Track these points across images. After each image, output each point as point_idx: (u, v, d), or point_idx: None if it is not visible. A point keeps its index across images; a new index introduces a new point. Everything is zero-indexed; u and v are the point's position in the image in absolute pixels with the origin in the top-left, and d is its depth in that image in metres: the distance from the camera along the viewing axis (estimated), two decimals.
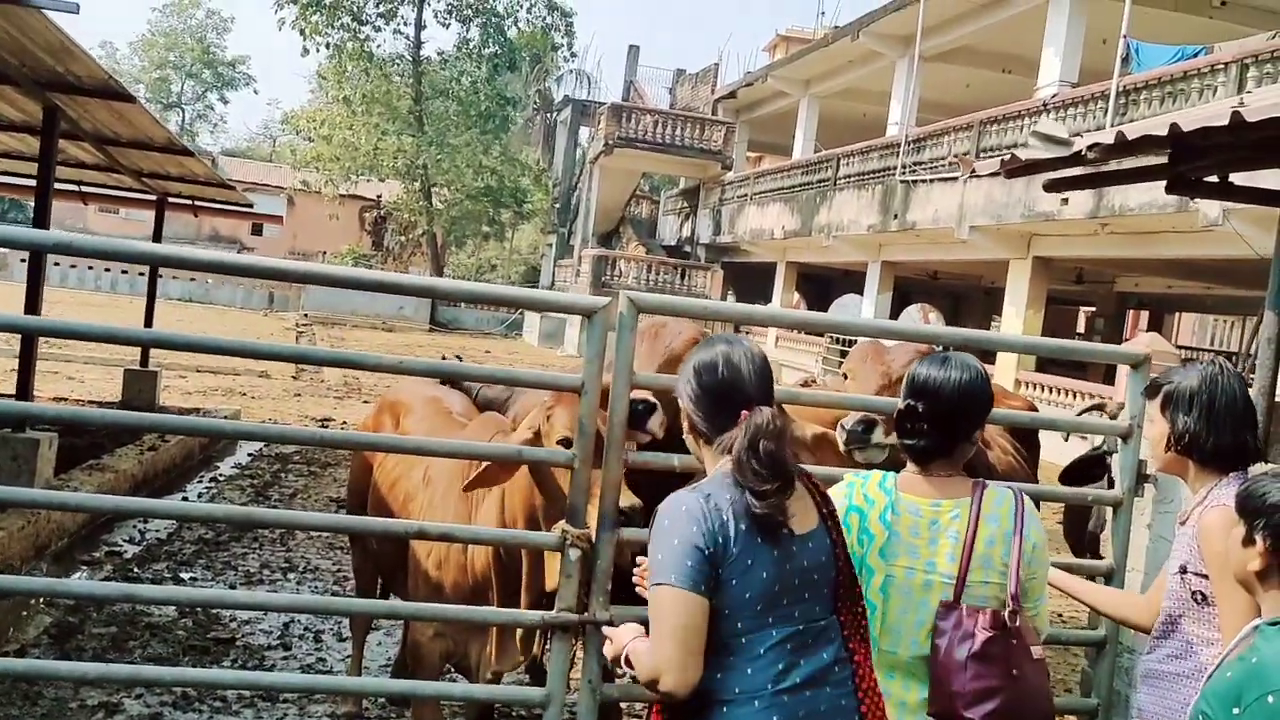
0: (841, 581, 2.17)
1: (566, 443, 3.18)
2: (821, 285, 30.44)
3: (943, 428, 2.45)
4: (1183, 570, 2.59)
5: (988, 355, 15.30)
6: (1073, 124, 14.44)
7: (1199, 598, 2.51)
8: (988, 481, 2.56)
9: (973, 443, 2.53)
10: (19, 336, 9.00)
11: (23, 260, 32.33)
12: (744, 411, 2.15)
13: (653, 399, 3.27)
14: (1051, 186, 4.79)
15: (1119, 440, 3.48)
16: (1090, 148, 3.83)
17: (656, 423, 3.27)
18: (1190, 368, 2.70)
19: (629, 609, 3.27)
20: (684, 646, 2.01)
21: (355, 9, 31.36)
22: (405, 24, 32.50)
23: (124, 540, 7.60)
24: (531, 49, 34.85)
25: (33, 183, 11.81)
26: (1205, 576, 2.50)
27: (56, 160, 8.03)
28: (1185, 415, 2.60)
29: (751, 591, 2.05)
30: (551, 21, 33.70)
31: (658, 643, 2.04)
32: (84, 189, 12.68)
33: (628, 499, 3.14)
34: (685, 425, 2.28)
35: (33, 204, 8.31)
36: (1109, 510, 3.48)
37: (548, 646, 3.29)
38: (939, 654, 2.35)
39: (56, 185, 8.23)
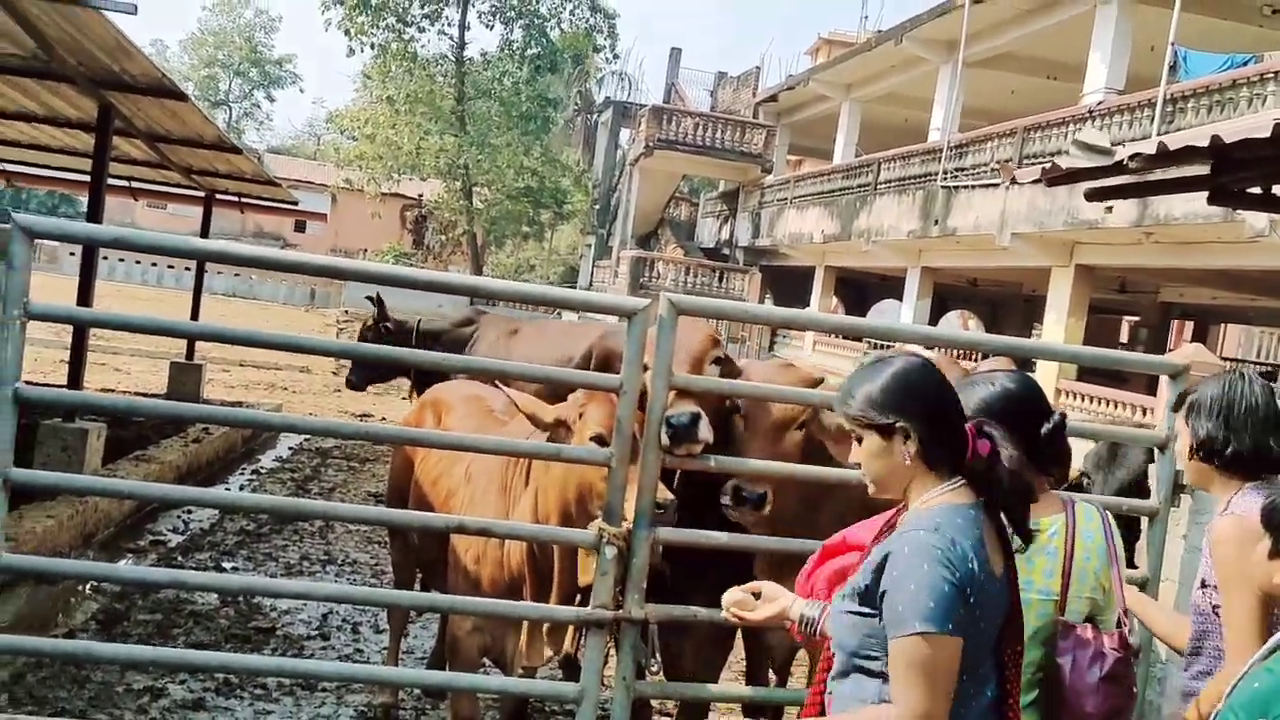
0: (1013, 616, 2.10)
1: (599, 440, 3.23)
2: (860, 290, 30.31)
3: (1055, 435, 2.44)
4: (1203, 585, 2.59)
5: (1027, 364, 15.19)
6: (1118, 132, 14.30)
7: (1219, 611, 2.51)
8: (1074, 497, 2.58)
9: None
10: (70, 328, 9.21)
11: (72, 253, 32.92)
12: (970, 429, 2.08)
13: (697, 408, 3.27)
14: (1093, 195, 4.77)
15: (1156, 450, 3.48)
16: (1131, 157, 3.82)
17: (705, 429, 3.29)
18: (1214, 377, 2.71)
19: (662, 606, 3.33)
20: (945, 696, 1.93)
21: (400, 10, 31.59)
22: (449, 25, 32.70)
23: (168, 530, 7.76)
24: (574, 50, 34.92)
25: (86, 178, 12.10)
26: None
27: (110, 157, 8.21)
28: (1204, 422, 2.61)
29: (981, 633, 1.99)
30: (594, 23, 33.75)
31: (918, 693, 1.91)
32: (135, 185, 12.93)
33: (662, 493, 3.19)
34: (906, 450, 2.06)
35: (84, 198, 8.50)
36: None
37: (582, 643, 3.34)
38: (1065, 675, 2.32)
39: (109, 181, 8.41)
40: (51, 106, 8.80)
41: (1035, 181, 4.90)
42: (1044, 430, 2.38)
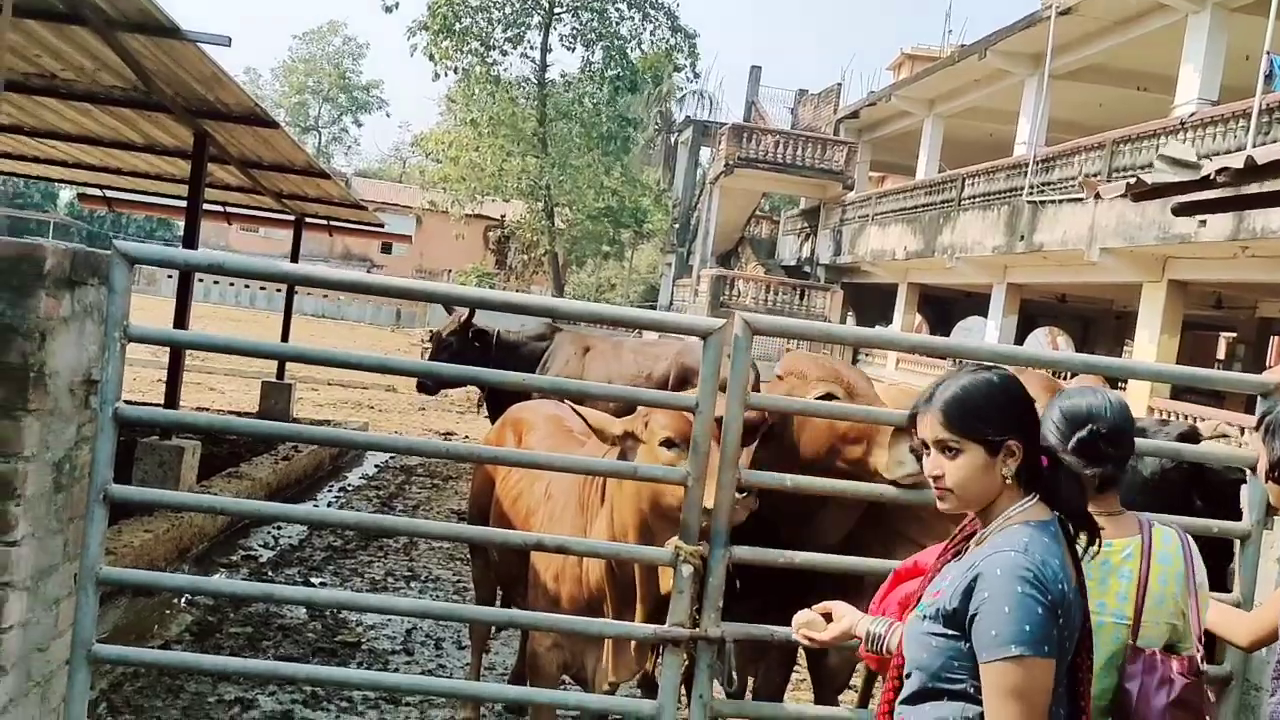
0: (1084, 627, 2.08)
1: (669, 443, 3.25)
2: (943, 307, 29.89)
3: (1117, 451, 2.43)
4: None
5: (1115, 382, 14.82)
6: (1212, 144, 13.91)
7: None
8: (1153, 518, 2.54)
9: (1126, 473, 2.53)
10: (168, 349, 9.54)
11: (170, 276, 34.05)
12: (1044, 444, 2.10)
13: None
14: (1181, 210, 4.66)
15: (1248, 471, 3.38)
16: (1219, 172, 3.73)
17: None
18: None
19: (739, 625, 3.33)
20: (1041, 718, 1.92)
21: (484, 35, 32.18)
22: (531, 48, 33.22)
23: (258, 545, 7.97)
24: (654, 71, 35.15)
25: (182, 203, 12.53)
26: None
27: (205, 182, 8.51)
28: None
29: (1065, 652, 1.99)
30: (674, 43, 33.97)
31: (1014, 718, 1.90)
32: (228, 209, 13.34)
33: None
34: (1008, 466, 2.05)
35: (180, 222, 8.82)
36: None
37: (659, 660, 3.36)
38: (1132, 700, 2.30)
39: (204, 206, 8.71)
40: (150, 135, 9.14)
41: (1120, 196, 4.81)
42: (1078, 436, 2.38)
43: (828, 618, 2.49)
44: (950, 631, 2.00)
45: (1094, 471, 2.39)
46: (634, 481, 3.32)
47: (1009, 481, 2.04)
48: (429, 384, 8.55)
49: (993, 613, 1.91)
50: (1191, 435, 3.76)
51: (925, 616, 2.06)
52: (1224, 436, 3.80)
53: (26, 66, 6.96)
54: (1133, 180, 4.24)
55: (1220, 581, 3.30)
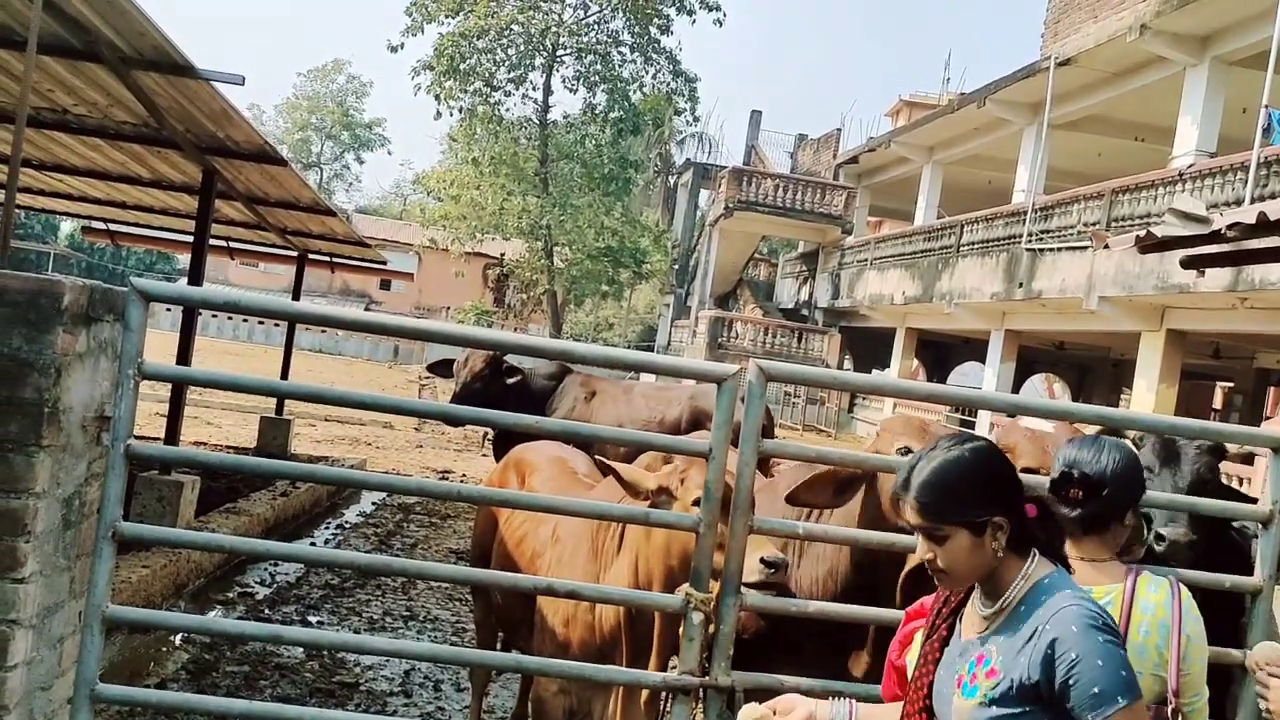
0: None
1: (699, 502, 3.25)
2: (941, 352, 29.96)
3: (1095, 496, 2.44)
4: None
5: (1118, 433, 14.82)
6: (1210, 195, 14.03)
7: None
8: (1143, 567, 2.53)
9: (1125, 525, 2.52)
10: (168, 384, 9.53)
11: (169, 310, 34.05)
12: (1030, 506, 2.10)
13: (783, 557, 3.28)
14: (1189, 263, 4.69)
15: (1259, 526, 3.38)
16: (1230, 226, 3.77)
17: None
18: None
19: (749, 674, 3.30)
20: None
21: (487, 75, 32.46)
22: (534, 89, 33.50)
23: (255, 582, 7.91)
24: (655, 113, 35.45)
25: (185, 237, 12.57)
26: None
27: (212, 218, 8.54)
28: None
29: None
30: (675, 87, 34.27)
31: None
32: (232, 244, 13.37)
33: (771, 551, 3.17)
34: (998, 541, 2.03)
35: (181, 256, 8.84)
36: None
37: (668, 709, 3.33)
38: None
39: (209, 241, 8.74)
40: (158, 170, 9.19)
41: (1129, 249, 4.84)
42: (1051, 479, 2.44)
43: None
44: (1026, 707, 1.96)
45: (1072, 513, 2.43)
46: (664, 533, 3.30)
47: (1001, 554, 2.02)
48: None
49: (1088, 670, 1.88)
50: (1219, 449, 3.76)
51: (989, 702, 1.99)
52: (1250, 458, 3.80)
53: (40, 102, 7.01)
54: (1142, 233, 4.27)
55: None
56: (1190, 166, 15.33)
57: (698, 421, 7.05)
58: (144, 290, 3.05)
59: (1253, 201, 12.63)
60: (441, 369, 8.60)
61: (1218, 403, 27.84)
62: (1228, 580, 3.33)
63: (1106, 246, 5.61)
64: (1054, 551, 2.09)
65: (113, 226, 13.80)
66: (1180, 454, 3.68)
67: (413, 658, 4.16)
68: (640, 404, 7.65)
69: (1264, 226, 3.63)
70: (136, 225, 13.40)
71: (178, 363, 7.56)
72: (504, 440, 7.12)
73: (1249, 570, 3.44)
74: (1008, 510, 2.02)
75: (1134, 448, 3.27)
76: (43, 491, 2.92)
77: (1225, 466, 11.95)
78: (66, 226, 46.88)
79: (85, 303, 2.99)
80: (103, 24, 5.34)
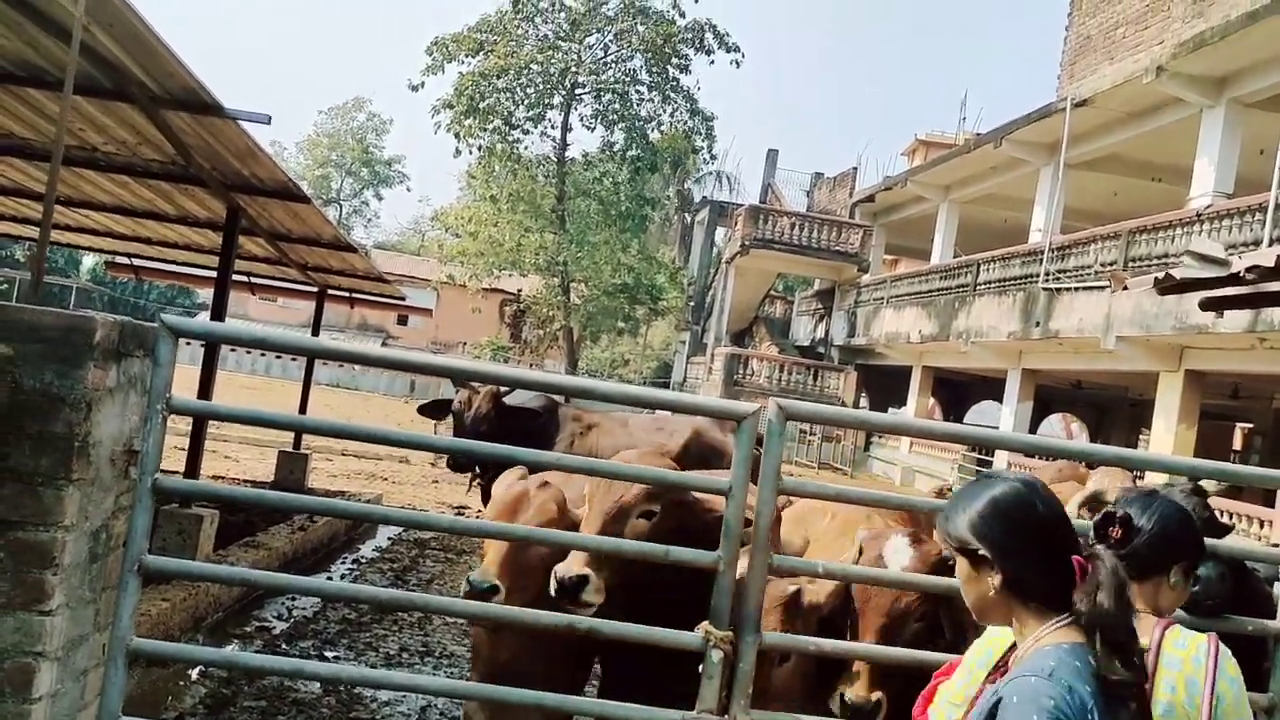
0: None
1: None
2: (957, 391, 29.89)
3: (1131, 538, 2.32)
4: None
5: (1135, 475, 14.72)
6: (1228, 236, 14.03)
7: None
8: (1174, 620, 2.44)
9: (1170, 584, 2.45)
10: (188, 418, 9.60)
11: (188, 343, 34.30)
12: (1076, 560, 1.94)
13: (585, 571, 3.30)
14: (1208, 305, 4.71)
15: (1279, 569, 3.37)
16: (1249, 269, 3.78)
17: (591, 592, 3.31)
18: None
19: (768, 714, 3.30)
20: None
21: (507, 114, 32.81)
22: (552, 127, 33.84)
23: (272, 616, 7.91)
24: (672, 151, 35.74)
25: (205, 272, 12.70)
26: None
27: (235, 254, 8.64)
28: None
29: None
30: (693, 125, 34.56)
31: None
32: (253, 280, 13.50)
33: (860, 692, 3.18)
34: (992, 581, 1.97)
35: (200, 291, 8.94)
36: None
37: None
38: None
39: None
40: (183, 207, 9.31)
41: (1147, 290, 4.86)
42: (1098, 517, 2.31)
43: None
44: None
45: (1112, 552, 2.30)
46: None
47: (997, 595, 1.95)
48: (463, 461, 7.72)
49: None
50: (1199, 491, 3.73)
51: None
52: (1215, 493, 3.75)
53: (71, 140, 7.13)
54: (1161, 274, 4.28)
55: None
56: (1208, 207, 15.33)
57: (701, 454, 7.00)
58: (174, 326, 3.10)
59: (1271, 243, 12.62)
60: (433, 410, 8.49)
61: (1237, 444, 27.64)
62: (1250, 624, 3.31)
63: (1125, 288, 5.63)
64: (1090, 619, 1.89)
65: (136, 261, 13.95)
66: (1167, 497, 3.66)
67: (431, 693, 4.17)
68: (640, 436, 7.59)
69: None
70: (160, 260, 13.54)
71: (199, 397, 7.61)
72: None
73: (1267, 613, 3.42)
74: (1001, 551, 1.94)
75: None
76: (71, 525, 2.96)
77: (1239, 506, 11.78)
78: (88, 261, 47.35)
79: (116, 338, 3.04)
80: (133, 64, 5.44)
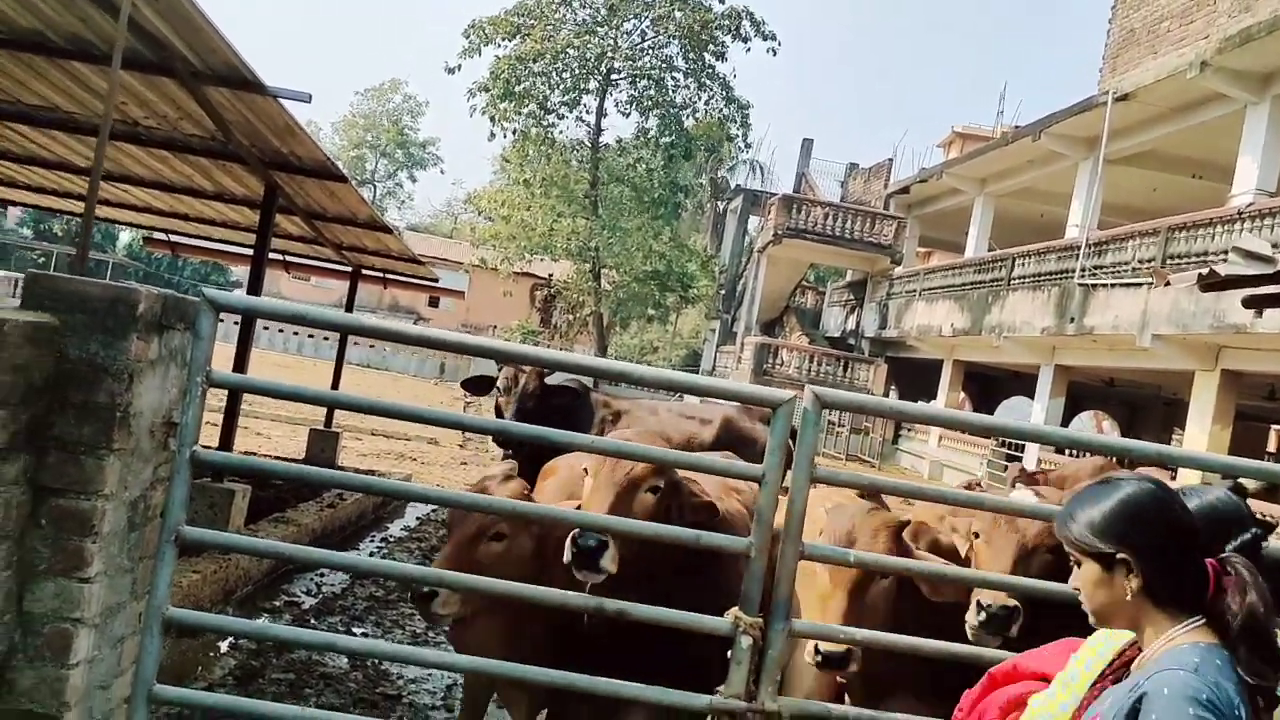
0: None
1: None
2: (988, 385, 29.65)
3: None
4: None
5: (1167, 471, 14.57)
6: (1270, 234, 13.82)
7: None
8: None
9: None
10: (219, 391, 9.69)
11: (222, 320, 34.60)
12: (1210, 564, 1.92)
13: (605, 537, 3.22)
14: (1250, 303, 4.64)
15: None
16: None
17: (609, 559, 3.22)
18: None
19: (796, 700, 3.30)
20: None
21: (542, 98, 32.78)
22: (587, 112, 33.76)
23: (301, 591, 7.99)
24: (707, 139, 35.58)
25: (240, 249, 12.80)
26: None
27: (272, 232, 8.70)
28: None
29: None
30: (728, 113, 34.38)
31: None
32: (288, 258, 13.59)
33: (830, 646, 3.16)
34: (1129, 584, 1.92)
35: (234, 268, 9.01)
36: None
37: None
38: None
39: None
40: (221, 184, 9.39)
41: (1191, 286, 4.80)
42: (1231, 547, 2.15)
43: None
44: None
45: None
46: None
47: (1133, 599, 1.91)
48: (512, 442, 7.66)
49: None
50: (1239, 489, 3.69)
51: None
52: (1273, 488, 3.69)
53: (114, 114, 7.20)
54: (1205, 270, 4.23)
55: None
56: (1250, 205, 15.11)
57: (730, 442, 6.96)
58: (215, 300, 3.13)
59: None
60: (476, 386, 8.47)
61: (1272, 445, 27.30)
62: None
63: (1168, 284, 5.56)
64: (1239, 628, 1.86)
65: (173, 238, 14.08)
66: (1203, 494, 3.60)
67: (460, 670, 4.20)
68: (671, 424, 7.56)
69: None
70: (196, 237, 13.66)
71: (233, 370, 7.69)
72: (534, 461, 6.63)
73: None
74: (1142, 554, 1.90)
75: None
76: (111, 494, 3.00)
77: (1271, 509, 11.58)
78: (125, 236, 47.88)
79: (159, 311, 3.08)
80: (177, 39, 5.49)
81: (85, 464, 2.94)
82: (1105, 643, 2.15)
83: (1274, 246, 10.98)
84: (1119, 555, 1.92)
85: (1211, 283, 4.36)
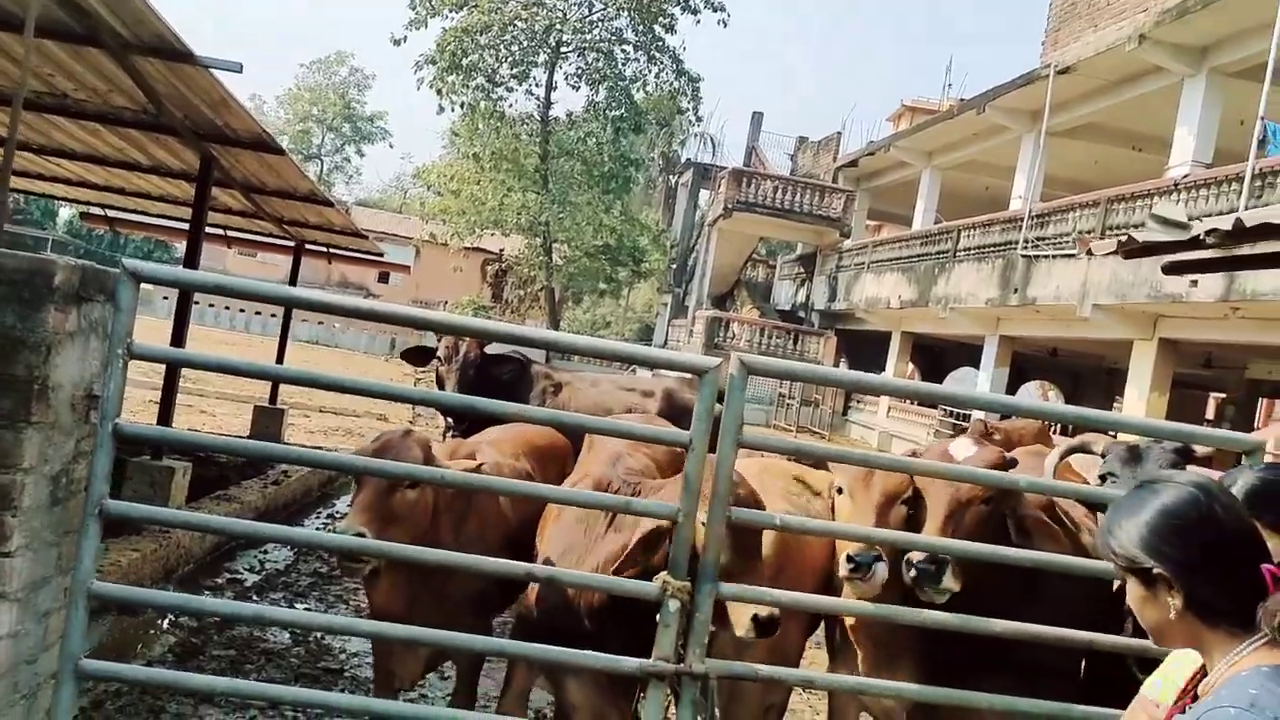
0: None
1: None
2: (936, 356, 30.01)
3: None
4: None
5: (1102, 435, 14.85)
6: (1205, 205, 14.09)
7: None
8: None
9: None
10: (161, 369, 9.55)
11: (165, 296, 34.08)
12: (1267, 570, 1.70)
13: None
14: (1171, 269, 4.75)
15: None
16: (1209, 233, 3.82)
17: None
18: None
19: (723, 662, 3.35)
20: None
21: (490, 71, 32.44)
22: (537, 86, 33.47)
23: (244, 569, 7.95)
24: (657, 113, 35.46)
25: (182, 225, 12.59)
26: None
27: (208, 206, 8.58)
28: None
29: None
30: (678, 87, 34.24)
31: None
32: (229, 233, 13.41)
33: (765, 610, 3.23)
34: (1173, 602, 1.74)
35: (179, 245, 8.88)
36: None
37: (642, 695, 3.37)
38: None
39: (206, 229, 8.77)
40: (156, 157, 9.23)
41: (1112, 254, 4.89)
42: None
43: None
44: None
45: None
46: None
47: (1177, 618, 1.73)
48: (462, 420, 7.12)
49: None
50: (1186, 451, 3.79)
51: None
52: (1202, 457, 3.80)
53: (40, 86, 7.05)
54: (1124, 238, 4.32)
55: None
56: (1185, 177, 15.39)
57: (673, 414, 7.01)
58: (135, 271, 3.10)
59: (1245, 211, 12.69)
60: (415, 356, 8.35)
61: (1210, 412, 27.93)
62: None
63: (1090, 252, 5.67)
64: None
65: (111, 213, 13.84)
66: (1144, 455, 3.71)
67: (396, 640, 4.22)
68: (612, 396, 7.60)
69: (1243, 233, 3.68)
70: (134, 212, 13.43)
71: (172, 346, 7.59)
72: (475, 432, 6.61)
73: None
74: (1179, 569, 1.72)
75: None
76: (30, 467, 2.96)
77: (1216, 474, 11.92)
78: (65, 213, 46.90)
79: (77, 282, 3.03)
80: (103, 8, 5.38)
81: (3, 437, 2.90)
82: (1187, 657, 1.96)
83: (1206, 217, 11.22)
84: (1155, 570, 1.74)
85: (1132, 249, 4.45)
